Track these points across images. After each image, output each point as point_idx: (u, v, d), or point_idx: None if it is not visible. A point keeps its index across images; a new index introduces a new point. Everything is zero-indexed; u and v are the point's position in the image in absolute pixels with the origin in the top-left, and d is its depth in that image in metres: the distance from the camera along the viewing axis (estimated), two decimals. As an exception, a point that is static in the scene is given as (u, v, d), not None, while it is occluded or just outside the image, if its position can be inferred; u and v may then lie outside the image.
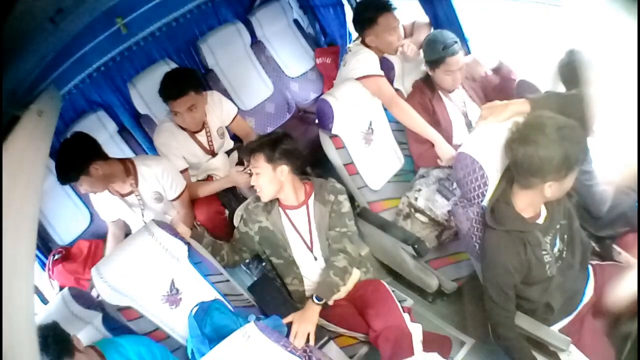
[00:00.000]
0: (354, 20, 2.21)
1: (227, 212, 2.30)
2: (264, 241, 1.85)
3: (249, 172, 2.11)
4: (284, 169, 1.73)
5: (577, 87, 1.73)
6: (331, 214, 1.79)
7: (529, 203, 1.45)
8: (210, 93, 2.34)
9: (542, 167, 1.32)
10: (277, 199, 1.81)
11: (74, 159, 1.87)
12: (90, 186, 1.94)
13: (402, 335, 1.60)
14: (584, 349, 1.47)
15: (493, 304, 1.49)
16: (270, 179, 1.73)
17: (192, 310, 1.69)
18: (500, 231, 1.46)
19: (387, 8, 2.09)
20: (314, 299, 1.68)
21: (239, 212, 1.95)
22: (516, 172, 1.43)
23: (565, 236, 1.54)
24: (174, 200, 2.13)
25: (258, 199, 1.85)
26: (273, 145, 1.72)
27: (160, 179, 2.07)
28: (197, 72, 2.38)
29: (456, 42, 2.04)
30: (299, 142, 1.90)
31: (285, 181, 1.76)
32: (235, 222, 1.95)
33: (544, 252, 1.46)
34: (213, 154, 2.39)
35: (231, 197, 2.33)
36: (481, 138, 1.54)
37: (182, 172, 2.22)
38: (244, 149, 1.80)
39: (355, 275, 1.84)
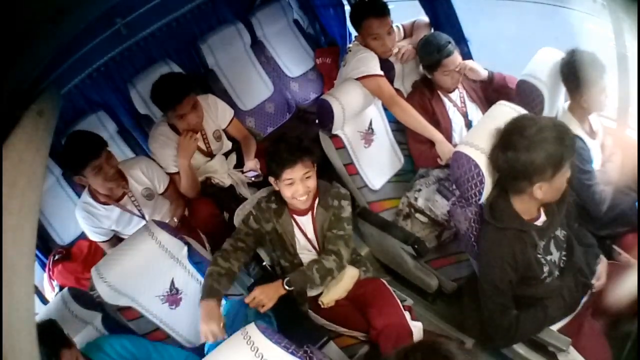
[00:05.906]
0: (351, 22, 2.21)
1: (225, 213, 2.29)
2: (274, 242, 1.81)
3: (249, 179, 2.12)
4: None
5: (578, 87, 1.74)
6: (331, 217, 1.78)
7: (524, 206, 1.45)
8: (205, 97, 2.35)
9: (525, 170, 1.32)
10: (286, 204, 1.77)
11: (91, 141, 1.92)
12: (94, 176, 1.92)
13: (403, 333, 1.59)
14: (583, 349, 1.46)
15: (488, 299, 1.48)
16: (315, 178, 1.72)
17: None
18: (497, 227, 1.46)
19: (373, 13, 2.06)
20: (284, 283, 1.65)
21: (244, 208, 1.89)
22: (504, 179, 1.44)
23: (564, 248, 1.53)
24: (163, 193, 2.20)
25: (269, 199, 1.79)
26: (311, 144, 1.71)
27: (146, 173, 2.14)
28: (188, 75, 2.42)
29: (450, 42, 2.05)
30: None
31: None
32: (237, 221, 1.91)
33: (538, 255, 1.46)
34: (211, 155, 2.39)
35: (230, 198, 2.33)
36: (477, 137, 1.54)
37: (176, 174, 2.24)
38: (289, 157, 1.64)
39: (354, 273, 1.83)
